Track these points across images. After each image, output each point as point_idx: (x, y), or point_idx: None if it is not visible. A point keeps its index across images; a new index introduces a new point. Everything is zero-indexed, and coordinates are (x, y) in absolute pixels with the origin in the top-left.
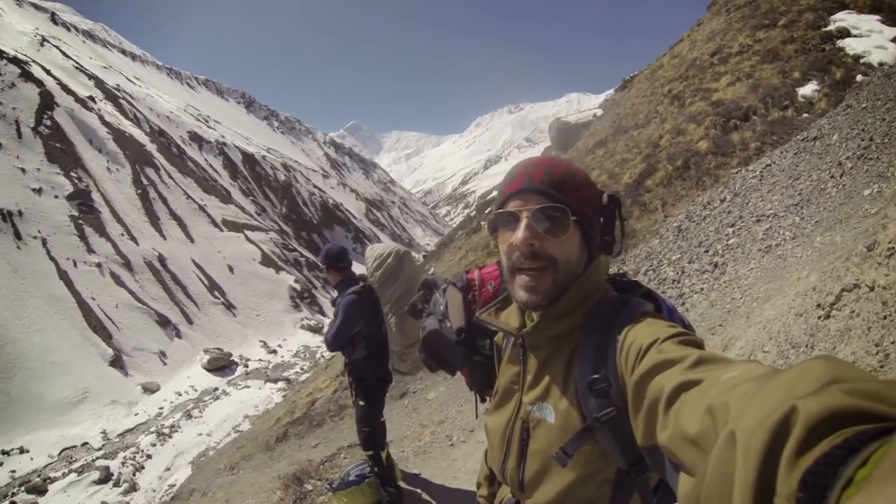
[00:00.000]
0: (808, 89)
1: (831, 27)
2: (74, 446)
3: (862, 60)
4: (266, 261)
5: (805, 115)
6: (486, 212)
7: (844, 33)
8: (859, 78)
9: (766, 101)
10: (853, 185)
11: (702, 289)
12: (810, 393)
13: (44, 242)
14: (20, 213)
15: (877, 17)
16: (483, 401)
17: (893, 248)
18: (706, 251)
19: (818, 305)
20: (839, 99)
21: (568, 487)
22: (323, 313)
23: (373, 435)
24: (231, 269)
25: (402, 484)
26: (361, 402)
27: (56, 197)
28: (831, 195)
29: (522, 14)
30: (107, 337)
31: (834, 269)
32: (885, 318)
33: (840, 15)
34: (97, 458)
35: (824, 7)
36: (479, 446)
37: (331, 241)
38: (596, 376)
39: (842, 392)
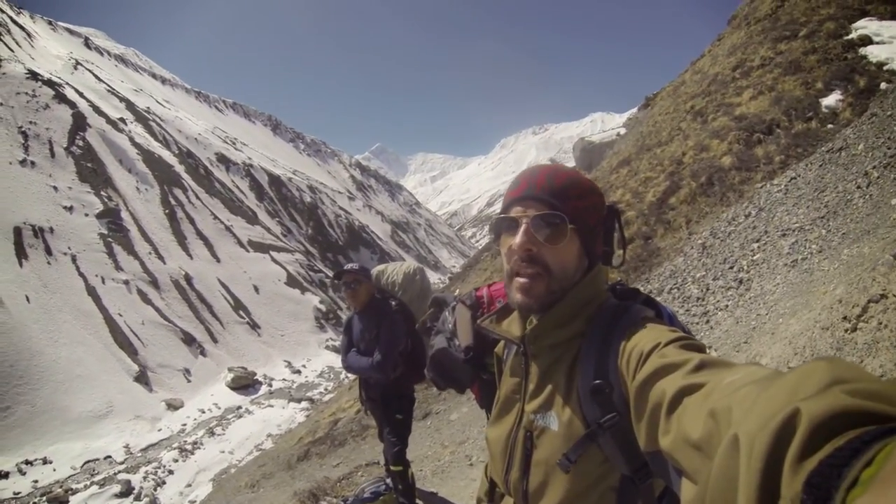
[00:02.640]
0: (832, 99)
1: (853, 35)
2: (97, 459)
3: (885, 68)
4: (291, 281)
5: (829, 125)
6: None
7: (866, 41)
8: (883, 85)
9: (789, 114)
10: (880, 194)
11: (726, 306)
12: (813, 394)
13: (73, 259)
14: (51, 229)
15: None
16: None
17: None
18: (731, 267)
19: (844, 318)
20: (863, 108)
21: (572, 495)
22: None
23: (403, 451)
24: (256, 289)
25: (419, 502)
26: (399, 416)
27: (86, 215)
28: (858, 206)
29: (546, 35)
30: (132, 353)
31: (860, 280)
32: None
33: (861, 23)
34: (119, 471)
35: (845, 15)
36: None
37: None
38: (598, 382)
39: (844, 393)
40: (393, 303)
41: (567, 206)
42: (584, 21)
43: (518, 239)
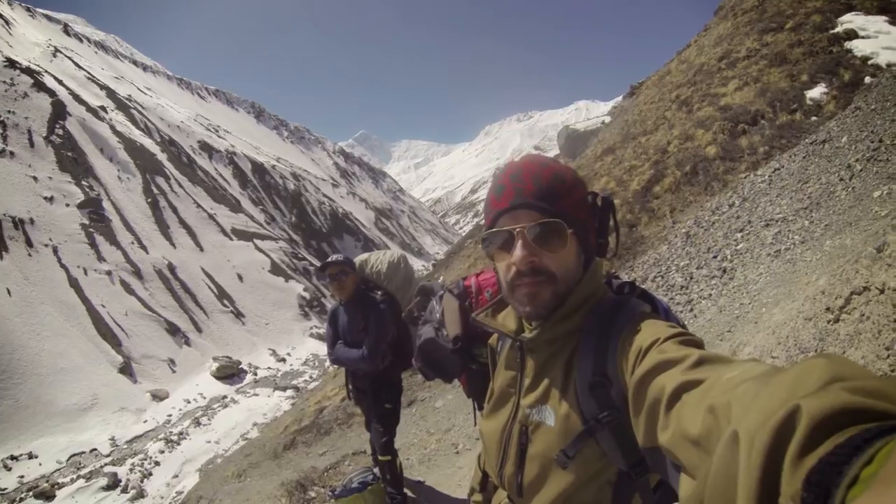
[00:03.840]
0: (817, 92)
1: (839, 29)
2: (83, 452)
3: (870, 62)
4: (275, 269)
5: (814, 118)
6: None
7: (852, 35)
8: (868, 80)
9: (774, 105)
10: (863, 187)
11: (710, 294)
12: (813, 391)
13: (55, 250)
14: (32, 220)
15: (884, 17)
16: (481, 408)
17: None
18: (715, 257)
19: (827, 309)
20: (848, 101)
21: (568, 490)
22: None
23: (392, 440)
24: (240, 277)
25: (406, 491)
26: (388, 406)
27: (67, 205)
28: (841, 198)
29: (531, 22)
30: (116, 344)
31: (843, 271)
32: (895, 320)
33: (847, 17)
34: (105, 464)
35: (831, 9)
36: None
37: (340, 249)
38: (596, 378)
39: (845, 390)
40: (379, 293)
41: (561, 207)
42: (570, 8)
43: (518, 252)
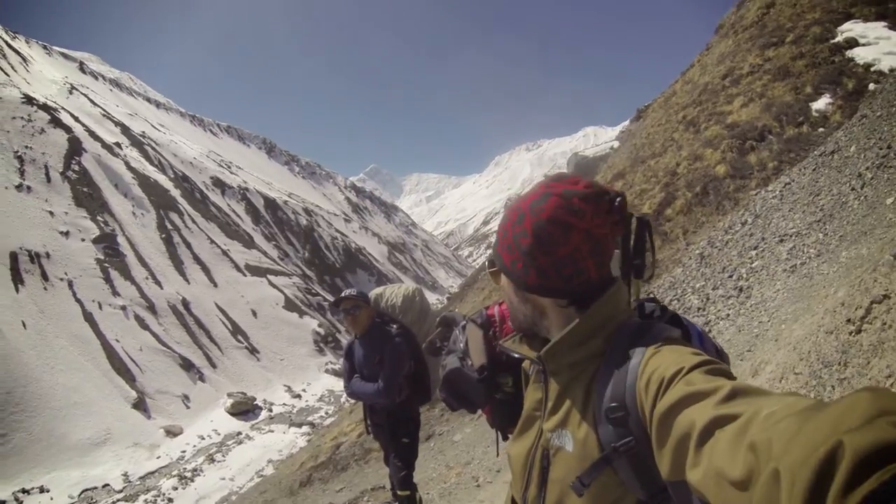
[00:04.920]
0: (822, 103)
1: (839, 38)
2: (95, 487)
3: (873, 69)
4: (289, 305)
5: (821, 129)
6: None
7: (853, 43)
8: (871, 86)
9: (780, 119)
10: (875, 195)
11: (728, 314)
12: (857, 427)
13: (70, 284)
14: (48, 255)
15: (883, 23)
16: (505, 438)
17: None
18: (730, 276)
19: (848, 321)
20: (853, 110)
21: None
22: None
23: (411, 475)
24: (254, 313)
25: None
26: (406, 440)
27: (83, 240)
28: (853, 208)
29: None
30: (130, 379)
31: (862, 281)
32: None
33: (847, 25)
34: (118, 499)
35: (830, 19)
36: (506, 486)
37: (354, 284)
38: (614, 404)
39: (890, 425)
40: (394, 326)
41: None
42: (574, 36)
43: None
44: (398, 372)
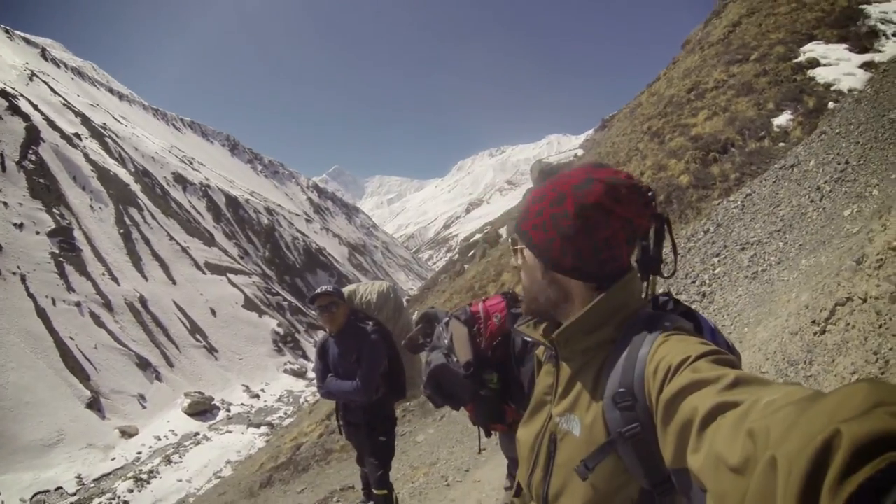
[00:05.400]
0: (783, 119)
1: (801, 58)
2: (48, 490)
3: (833, 88)
4: (249, 304)
5: (781, 144)
6: (470, 254)
7: (814, 63)
8: (831, 105)
9: (743, 133)
10: (833, 207)
11: None
12: (854, 416)
13: (23, 279)
14: (0, 247)
15: (844, 45)
16: (488, 435)
17: (882, 259)
18: (693, 282)
19: (813, 322)
20: (813, 126)
21: (590, 503)
22: (307, 358)
23: (387, 474)
24: (213, 312)
25: None
26: (383, 439)
27: (37, 233)
28: (812, 219)
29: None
30: (84, 378)
31: (825, 285)
32: (880, 326)
33: (809, 46)
34: (71, 503)
35: (794, 40)
36: (476, 486)
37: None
38: (622, 390)
39: (887, 415)
40: (370, 323)
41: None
42: (539, 44)
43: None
44: (376, 369)
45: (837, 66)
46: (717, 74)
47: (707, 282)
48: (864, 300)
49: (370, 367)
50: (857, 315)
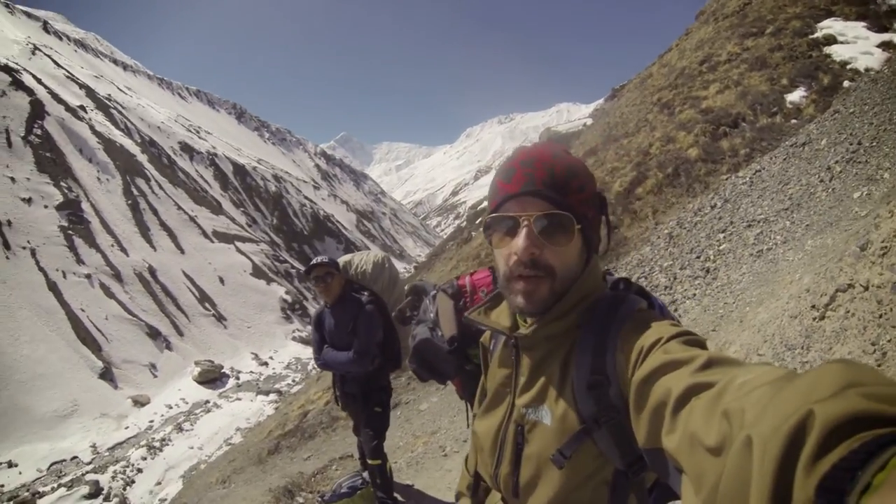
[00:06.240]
0: (796, 96)
1: (818, 34)
2: (64, 460)
3: (849, 66)
4: (257, 272)
5: (793, 121)
6: (478, 221)
7: (831, 40)
8: (846, 83)
9: (754, 108)
10: (843, 188)
11: (694, 294)
12: (828, 397)
13: (33, 253)
14: (9, 222)
15: (863, 23)
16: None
17: (887, 247)
18: (698, 257)
19: (813, 307)
20: (827, 105)
21: (565, 490)
22: None
23: (382, 444)
24: (222, 280)
25: (396, 496)
26: (378, 409)
27: (46, 207)
28: (821, 199)
29: (513, 25)
30: (96, 349)
31: (827, 270)
32: (880, 316)
33: (826, 22)
34: (87, 472)
35: (811, 15)
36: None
37: (322, 252)
38: (594, 377)
39: (860, 396)
40: (365, 294)
41: (571, 201)
42: (551, 12)
43: (521, 242)
44: (372, 339)
45: (855, 45)
46: (730, 47)
47: (711, 257)
48: (866, 288)
49: (366, 337)
50: (858, 303)
